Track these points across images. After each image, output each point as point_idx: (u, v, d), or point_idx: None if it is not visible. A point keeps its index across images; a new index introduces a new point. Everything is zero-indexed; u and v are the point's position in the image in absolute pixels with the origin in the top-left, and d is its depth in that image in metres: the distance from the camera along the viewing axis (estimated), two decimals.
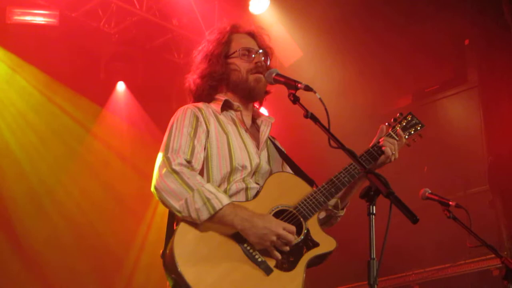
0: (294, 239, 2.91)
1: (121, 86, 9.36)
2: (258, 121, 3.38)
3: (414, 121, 3.41)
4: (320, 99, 2.78)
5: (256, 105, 3.45)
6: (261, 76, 3.26)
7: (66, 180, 8.97)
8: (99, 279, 8.77)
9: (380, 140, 3.25)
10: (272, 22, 8.55)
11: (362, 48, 8.45)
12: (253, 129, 3.34)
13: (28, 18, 8.17)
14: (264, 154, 3.26)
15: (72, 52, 8.49)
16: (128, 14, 8.46)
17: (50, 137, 8.81)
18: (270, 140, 3.37)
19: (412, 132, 3.39)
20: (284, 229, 2.89)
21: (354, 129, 7.89)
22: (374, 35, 8.49)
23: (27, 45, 8.36)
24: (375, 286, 2.43)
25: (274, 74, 3.09)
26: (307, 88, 2.85)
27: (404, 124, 3.39)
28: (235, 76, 3.29)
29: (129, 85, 9.37)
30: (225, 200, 2.88)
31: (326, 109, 2.76)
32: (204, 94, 3.34)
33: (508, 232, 6.98)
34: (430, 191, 4.11)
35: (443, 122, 8.18)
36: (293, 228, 2.92)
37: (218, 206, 2.85)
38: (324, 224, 3.33)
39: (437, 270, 7.22)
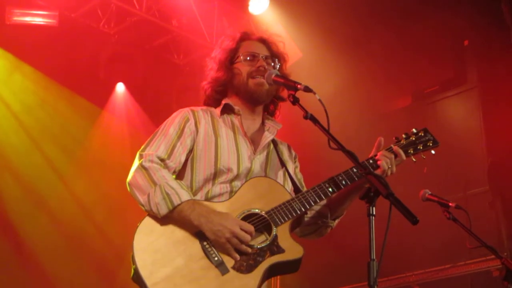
0: (249, 238, 2.89)
1: (120, 87, 9.35)
2: (266, 127, 3.36)
3: (427, 137, 3.28)
4: (319, 100, 2.78)
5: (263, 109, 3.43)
6: (263, 80, 3.24)
7: (65, 181, 8.96)
8: (98, 279, 8.77)
9: (378, 153, 3.15)
10: (272, 23, 8.54)
11: (362, 49, 8.45)
12: (257, 134, 3.32)
13: (27, 19, 8.16)
14: (260, 159, 3.23)
15: (72, 53, 8.48)
16: (128, 15, 8.45)
17: (49, 138, 8.80)
18: (275, 147, 3.34)
19: (421, 148, 3.24)
20: (241, 228, 2.89)
21: (353, 130, 7.89)
22: (373, 35, 8.49)
23: (27, 46, 8.35)
24: (375, 287, 2.43)
25: (273, 75, 3.10)
26: (307, 89, 2.85)
27: (413, 139, 3.26)
28: (236, 80, 3.31)
29: (128, 86, 9.36)
30: (185, 197, 2.93)
31: (325, 110, 2.76)
32: (212, 99, 3.40)
33: (508, 233, 6.98)
34: (430, 192, 4.11)
35: (442, 122, 8.18)
36: (251, 228, 2.91)
37: (176, 201, 2.90)
38: (313, 233, 3.29)
39: (437, 271, 7.22)
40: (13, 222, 8.42)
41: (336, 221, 3.31)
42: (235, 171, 3.11)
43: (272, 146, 3.33)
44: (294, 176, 3.31)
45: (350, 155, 2.70)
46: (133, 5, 8.30)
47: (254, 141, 3.27)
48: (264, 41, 3.42)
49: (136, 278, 2.85)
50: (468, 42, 8.21)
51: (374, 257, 2.46)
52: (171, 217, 2.92)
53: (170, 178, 3.00)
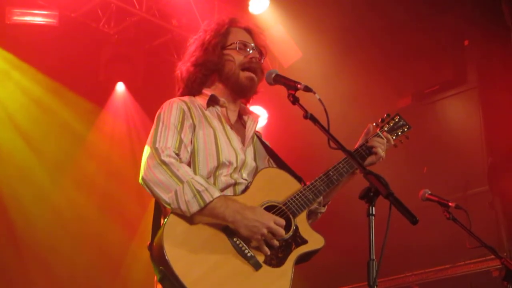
0: (284, 233, 2.90)
1: (120, 87, 9.35)
2: (245, 117, 3.37)
3: (401, 122, 3.42)
4: (319, 99, 2.79)
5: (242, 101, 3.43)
6: (253, 76, 3.25)
7: (64, 181, 8.96)
8: (98, 281, 8.77)
9: (370, 140, 3.25)
10: (272, 23, 8.54)
11: (362, 49, 8.44)
12: (239, 125, 3.32)
13: (27, 19, 8.15)
14: (249, 150, 3.24)
15: (72, 53, 8.48)
16: (128, 15, 8.45)
17: (49, 138, 8.79)
18: (256, 136, 3.36)
19: (399, 133, 3.39)
20: (275, 223, 2.89)
21: (353, 130, 7.89)
22: (373, 35, 8.49)
23: (27, 46, 8.35)
24: (375, 287, 2.43)
25: (273, 75, 3.10)
26: (307, 89, 2.86)
27: (391, 125, 3.39)
28: (228, 68, 3.27)
29: (128, 86, 9.36)
30: (216, 193, 2.88)
31: (325, 110, 2.77)
32: (196, 83, 3.30)
33: (507, 233, 6.98)
34: (429, 192, 4.11)
35: (442, 122, 8.18)
36: (283, 222, 2.92)
37: (208, 198, 2.84)
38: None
39: (437, 271, 7.22)
40: (13, 222, 8.42)
41: (325, 207, 3.35)
42: (234, 164, 3.10)
43: (255, 136, 3.34)
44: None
45: (350, 154, 2.70)
46: (133, 5, 8.30)
47: (238, 132, 3.26)
48: (250, 31, 3.40)
49: (167, 280, 2.78)
50: (468, 42, 8.20)
51: (374, 257, 2.46)
52: (201, 214, 2.86)
53: (193, 174, 2.93)
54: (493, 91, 7.65)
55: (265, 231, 2.86)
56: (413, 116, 8.39)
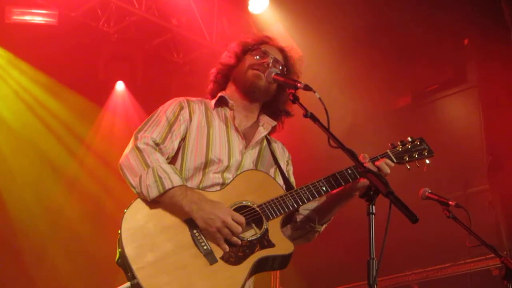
0: (240, 230, 2.86)
1: (120, 86, 9.35)
2: (260, 122, 3.35)
3: (422, 147, 3.29)
4: (319, 98, 2.79)
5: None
6: (260, 73, 3.23)
7: (65, 180, 8.96)
8: (99, 279, 8.76)
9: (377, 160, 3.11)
10: (271, 22, 8.54)
11: (361, 48, 8.44)
12: (250, 130, 3.30)
13: (27, 18, 8.16)
14: (251, 153, 3.21)
15: (71, 52, 8.48)
16: (127, 14, 8.44)
17: (48, 137, 8.79)
18: (269, 145, 3.32)
19: (416, 156, 3.25)
20: (233, 219, 2.86)
21: (353, 129, 7.89)
22: (373, 34, 8.48)
23: (26, 45, 8.36)
24: (375, 285, 2.43)
25: (273, 74, 3.09)
26: (307, 88, 2.86)
27: (408, 147, 3.26)
28: (239, 68, 3.31)
29: (128, 85, 9.36)
30: (178, 182, 2.89)
31: (325, 109, 2.77)
32: (217, 82, 3.39)
33: (507, 232, 6.98)
34: (429, 191, 4.11)
35: (442, 121, 8.18)
36: (242, 219, 2.89)
37: (168, 185, 2.86)
38: (301, 238, 3.25)
39: (437, 270, 7.22)
40: (13, 222, 8.42)
41: (324, 226, 3.28)
42: (225, 163, 3.09)
43: (265, 143, 3.31)
44: (286, 175, 3.28)
45: (350, 153, 2.70)
46: (132, 4, 8.30)
47: (246, 136, 3.24)
48: (283, 51, 3.38)
49: (121, 261, 2.83)
50: (468, 41, 8.20)
51: (374, 256, 2.46)
52: (162, 201, 2.88)
53: (163, 162, 2.97)
54: (493, 90, 7.65)
55: (219, 224, 2.82)
56: (413, 114, 8.46)
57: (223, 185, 3.05)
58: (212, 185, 3.05)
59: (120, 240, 2.83)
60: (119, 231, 2.84)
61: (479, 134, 7.68)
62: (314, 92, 2.82)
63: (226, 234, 2.84)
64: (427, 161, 3.29)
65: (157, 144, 3.04)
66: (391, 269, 7.36)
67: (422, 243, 7.27)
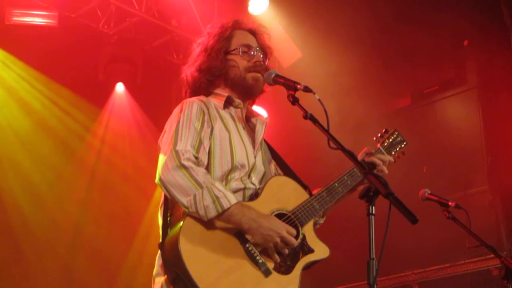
0: (295, 242, 2.95)
1: (120, 87, 9.36)
2: (253, 120, 3.36)
3: (399, 139, 3.51)
4: (319, 100, 2.79)
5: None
6: (259, 75, 3.25)
7: (64, 182, 8.97)
8: (98, 281, 8.77)
9: (372, 155, 3.34)
10: (271, 23, 8.53)
11: (361, 49, 8.44)
12: (248, 128, 3.32)
13: (27, 19, 8.16)
14: (259, 154, 3.25)
15: (71, 53, 8.49)
16: (127, 15, 8.45)
17: (48, 139, 8.80)
18: (264, 140, 3.36)
19: (397, 149, 3.49)
20: (288, 232, 2.93)
21: (353, 130, 7.89)
22: (372, 35, 8.49)
23: (26, 46, 8.36)
24: (375, 286, 2.44)
25: (273, 75, 3.09)
26: (306, 89, 2.86)
27: (390, 140, 3.48)
28: (233, 73, 3.27)
29: (128, 86, 9.36)
30: (234, 200, 2.88)
31: (325, 110, 2.77)
32: (202, 88, 3.30)
33: (507, 232, 6.99)
34: (429, 192, 4.11)
35: (442, 123, 8.18)
36: (294, 231, 2.97)
37: (226, 205, 2.85)
38: None
39: (437, 270, 7.23)
40: (13, 222, 8.43)
41: (324, 218, 3.38)
42: (246, 167, 3.12)
43: (263, 140, 3.34)
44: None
45: (350, 154, 2.70)
46: (132, 5, 8.31)
47: (249, 135, 3.27)
48: (254, 32, 3.40)
49: (181, 281, 2.80)
50: (468, 42, 8.21)
51: (374, 256, 2.47)
52: (217, 219, 2.88)
53: (212, 179, 2.94)
54: (493, 91, 7.66)
55: (278, 239, 2.90)
56: (413, 116, 8.46)
57: (244, 190, 3.09)
58: (236, 191, 3.06)
59: (179, 260, 2.78)
60: (179, 250, 2.79)
61: (479, 135, 7.69)
62: (314, 93, 2.82)
63: (281, 248, 2.93)
64: (403, 153, 3.52)
65: (196, 158, 2.97)
66: (391, 269, 7.36)
67: (422, 244, 7.28)
